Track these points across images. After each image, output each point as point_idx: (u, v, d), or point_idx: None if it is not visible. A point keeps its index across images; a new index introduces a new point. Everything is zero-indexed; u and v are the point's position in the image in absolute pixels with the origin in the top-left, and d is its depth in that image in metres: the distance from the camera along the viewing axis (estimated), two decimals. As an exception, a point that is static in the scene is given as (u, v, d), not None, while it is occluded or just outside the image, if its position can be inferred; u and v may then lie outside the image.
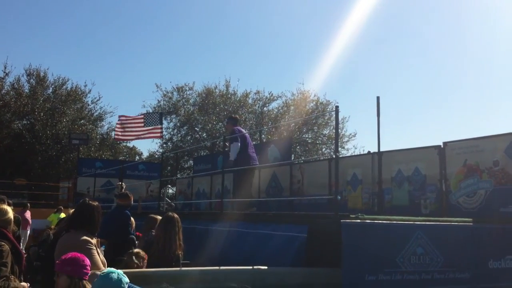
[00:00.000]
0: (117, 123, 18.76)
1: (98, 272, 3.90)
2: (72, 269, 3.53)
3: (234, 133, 9.91)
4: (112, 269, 3.47)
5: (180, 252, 5.83)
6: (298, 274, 5.73)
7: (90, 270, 4.03)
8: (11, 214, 4.37)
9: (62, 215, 14.67)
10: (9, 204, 7.36)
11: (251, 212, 8.37)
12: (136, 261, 5.33)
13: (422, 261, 5.57)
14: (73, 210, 5.84)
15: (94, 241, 4.44)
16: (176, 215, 6.09)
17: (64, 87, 32.89)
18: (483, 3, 46.45)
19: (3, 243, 4.03)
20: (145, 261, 5.48)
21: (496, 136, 7.48)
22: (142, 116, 18.66)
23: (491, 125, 45.54)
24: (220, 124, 33.38)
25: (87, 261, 3.68)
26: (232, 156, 9.32)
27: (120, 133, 18.36)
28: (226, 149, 10.24)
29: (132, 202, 8.27)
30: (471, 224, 6.25)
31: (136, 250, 5.70)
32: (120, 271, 3.44)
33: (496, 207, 7.12)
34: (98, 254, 4.43)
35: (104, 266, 4.37)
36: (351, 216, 5.67)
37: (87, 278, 3.62)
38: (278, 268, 5.77)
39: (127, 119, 18.07)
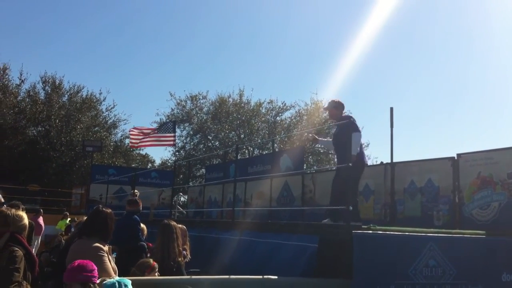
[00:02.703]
0: (130, 131, 18.90)
1: (107, 280, 3.91)
2: (83, 276, 3.56)
3: (347, 120, 7.62)
4: (117, 278, 3.48)
5: (180, 259, 5.82)
6: (309, 285, 5.70)
7: (101, 277, 4.05)
8: (26, 220, 4.40)
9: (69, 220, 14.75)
10: (23, 210, 7.40)
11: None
12: (138, 273, 5.23)
13: (435, 273, 5.52)
14: (85, 217, 5.87)
15: (106, 248, 4.46)
16: (172, 222, 6.07)
17: (79, 94, 33.27)
18: (502, 13, 46.19)
19: (16, 249, 4.05)
20: (151, 268, 5.36)
21: (510, 149, 7.41)
22: (156, 126, 18.80)
23: (506, 137, 45.09)
24: (233, 133, 33.46)
25: (93, 266, 3.72)
26: (355, 149, 7.16)
27: (134, 140, 18.47)
28: (312, 142, 7.96)
29: (141, 207, 8.22)
30: (484, 236, 6.19)
31: (142, 260, 5.64)
32: (127, 280, 3.44)
33: (510, 220, 7.05)
34: (110, 261, 4.44)
35: (115, 273, 4.38)
36: (363, 227, 5.65)
37: (96, 282, 3.67)
38: (288, 278, 5.74)
39: (141, 128, 18.19)
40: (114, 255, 5.79)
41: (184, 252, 6.28)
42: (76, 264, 3.66)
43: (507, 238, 6.28)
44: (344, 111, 7.83)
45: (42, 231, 16.52)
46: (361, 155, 7.28)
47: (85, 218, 5.58)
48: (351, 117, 7.51)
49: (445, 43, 50.31)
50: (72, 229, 13.80)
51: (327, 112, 7.67)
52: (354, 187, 7.29)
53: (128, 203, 8.31)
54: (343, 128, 7.41)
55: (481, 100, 50.50)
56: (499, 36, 47.80)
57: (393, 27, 51.96)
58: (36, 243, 15.43)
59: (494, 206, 7.31)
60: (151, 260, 5.42)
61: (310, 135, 7.89)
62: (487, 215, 7.39)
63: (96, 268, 3.74)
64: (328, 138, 8.19)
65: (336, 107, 7.75)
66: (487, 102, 50.19)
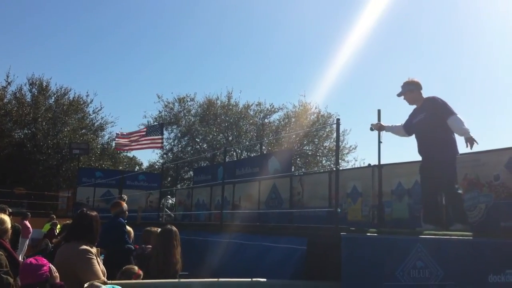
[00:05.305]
0: (117, 133, 18.79)
1: (96, 283, 3.89)
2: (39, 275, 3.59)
3: (433, 102, 6.58)
4: (110, 286, 3.47)
5: (179, 267, 5.73)
6: (298, 287, 5.70)
7: (91, 280, 4.03)
8: (8, 223, 4.38)
9: (58, 226, 14.62)
10: (10, 214, 7.35)
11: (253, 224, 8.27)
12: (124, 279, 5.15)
13: (422, 274, 5.54)
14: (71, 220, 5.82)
15: (94, 250, 4.44)
16: (174, 228, 5.90)
17: (66, 96, 33.05)
18: (493, 17, 46.70)
19: (0, 252, 4.03)
20: (136, 276, 5.26)
21: (497, 150, 7.47)
22: (144, 128, 18.70)
23: (492, 139, 45.54)
24: (221, 135, 33.44)
25: (43, 261, 3.74)
26: (465, 131, 6.31)
27: (120, 142, 18.35)
28: (378, 130, 7.17)
29: (125, 208, 8.09)
30: (471, 238, 6.22)
31: (127, 266, 5.54)
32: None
33: (497, 221, 7.10)
34: (98, 263, 4.42)
35: (104, 275, 4.36)
36: (351, 229, 5.66)
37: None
38: (277, 281, 5.74)
39: (128, 134, 18.07)
40: (101, 257, 5.74)
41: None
42: (27, 267, 3.67)
43: (494, 239, 6.32)
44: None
45: (30, 235, 16.37)
46: (455, 143, 6.61)
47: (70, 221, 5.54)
48: (435, 101, 6.56)
49: (434, 46, 50.76)
50: (55, 232, 13.70)
51: (402, 97, 6.83)
52: (455, 180, 6.73)
53: (111, 206, 8.26)
54: (429, 110, 6.53)
55: (468, 101, 50.97)
56: (490, 38, 48.34)
57: (382, 30, 52.34)
58: (23, 246, 15.27)
59: (481, 208, 7.36)
60: (136, 268, 5.36)
61: (376, 123, 7.13)
62: (474, 217, 7.43)
63: (45, 263, 3.74)
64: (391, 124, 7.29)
65: (412, 90, 6.73)
66: (474, 104, 50.67)
